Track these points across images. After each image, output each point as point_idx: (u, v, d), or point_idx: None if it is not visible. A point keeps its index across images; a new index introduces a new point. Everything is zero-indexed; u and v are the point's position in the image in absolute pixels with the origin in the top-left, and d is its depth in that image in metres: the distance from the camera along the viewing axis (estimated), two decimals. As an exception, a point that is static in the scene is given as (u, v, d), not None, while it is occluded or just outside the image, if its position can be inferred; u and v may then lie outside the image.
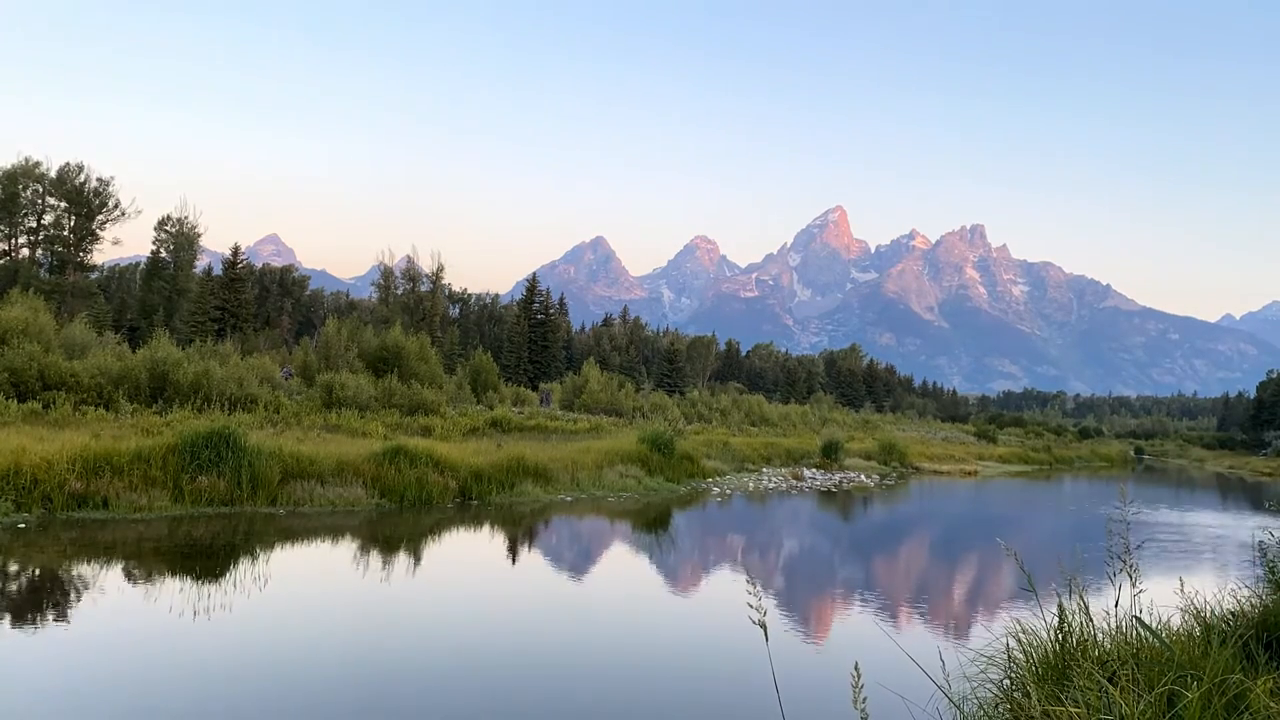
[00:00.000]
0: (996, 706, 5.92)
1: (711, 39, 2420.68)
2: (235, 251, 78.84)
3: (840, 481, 38.74)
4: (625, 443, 32.73)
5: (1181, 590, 7.19)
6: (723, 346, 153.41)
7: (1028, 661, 6.24)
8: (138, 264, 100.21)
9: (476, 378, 57.33)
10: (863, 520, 28.95)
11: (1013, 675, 6.27)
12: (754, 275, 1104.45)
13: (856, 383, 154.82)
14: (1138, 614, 6.05)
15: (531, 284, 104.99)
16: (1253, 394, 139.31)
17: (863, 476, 41.63)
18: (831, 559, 20.91)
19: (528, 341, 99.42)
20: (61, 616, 11.35)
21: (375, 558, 16.49)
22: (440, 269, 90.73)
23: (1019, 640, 6.47)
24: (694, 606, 14.73)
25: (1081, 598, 6.41)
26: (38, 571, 13.71)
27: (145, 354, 33.69)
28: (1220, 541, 24.43)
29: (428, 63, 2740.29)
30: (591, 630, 12.46)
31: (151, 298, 77.73)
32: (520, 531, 20.90)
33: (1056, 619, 6.19)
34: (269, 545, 16.80)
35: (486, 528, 21.00)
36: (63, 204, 66.94)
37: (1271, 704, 4.59)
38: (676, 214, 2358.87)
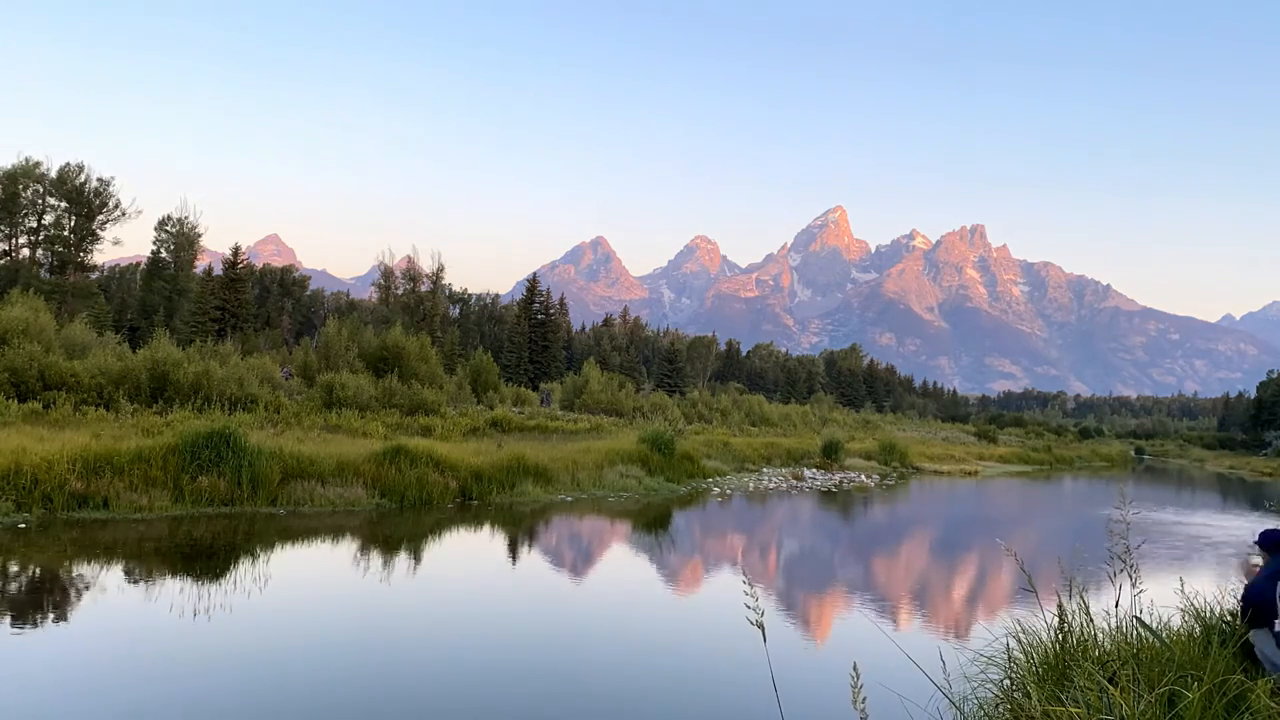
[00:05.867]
0: (996, 706, 5.92)
1: (712, 39, 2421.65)
2: (235, 251, 78.79)
3: (840, 481, 38.72)
4: (625, 443, 32.72)
5: (1181, 590, 7.19)
6: (723, 347, 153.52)
7: (1028, 661, 6.24)
8: (138, 264, 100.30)
9: (477, 378, 57.32)
10: (863, 520, 28.94)
11: (1013, 675, 6.27)
12: (754, 275, 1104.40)
13: (857, 383, 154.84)
14: (1138, 614, 6.06)
15: (531, 284, 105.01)
16: (1253, 394, 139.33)
17: (863, 476, 41.62)
18: (831, 559, 20.90)
19: (528, 341, 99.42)
20: (62, 617, 11.35)
21: (375, 558, 16.49)
22: (440, 269, 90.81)
23: (1019, 640, 6.47)
24: (694, 607, 14.74)
25: (1081, 598, 6.41)
26: (38, 571, 13.71)
27: (145, 354, 33.66)
28: (1220, 541, 24.41)
29: (429, 63, 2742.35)
30: (591, 630, 12.46)
31: (152, 298, 77.77)
32: (520, 532, 20.90)
33: (1056, 619, 6.19)
34: (269, 545, 16.80)
35: (487, 528, 21.00)
36: (63, 204, 66.94)
37: (1271, 704, 4.59)
38: (676, 214, 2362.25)
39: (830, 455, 44.88)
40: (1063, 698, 5.11)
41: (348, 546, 17.42)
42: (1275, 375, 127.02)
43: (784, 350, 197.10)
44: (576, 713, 8.72)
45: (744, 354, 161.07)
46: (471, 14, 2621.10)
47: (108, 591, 12.78)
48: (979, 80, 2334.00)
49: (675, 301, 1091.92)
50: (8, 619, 10.96)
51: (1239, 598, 6.20)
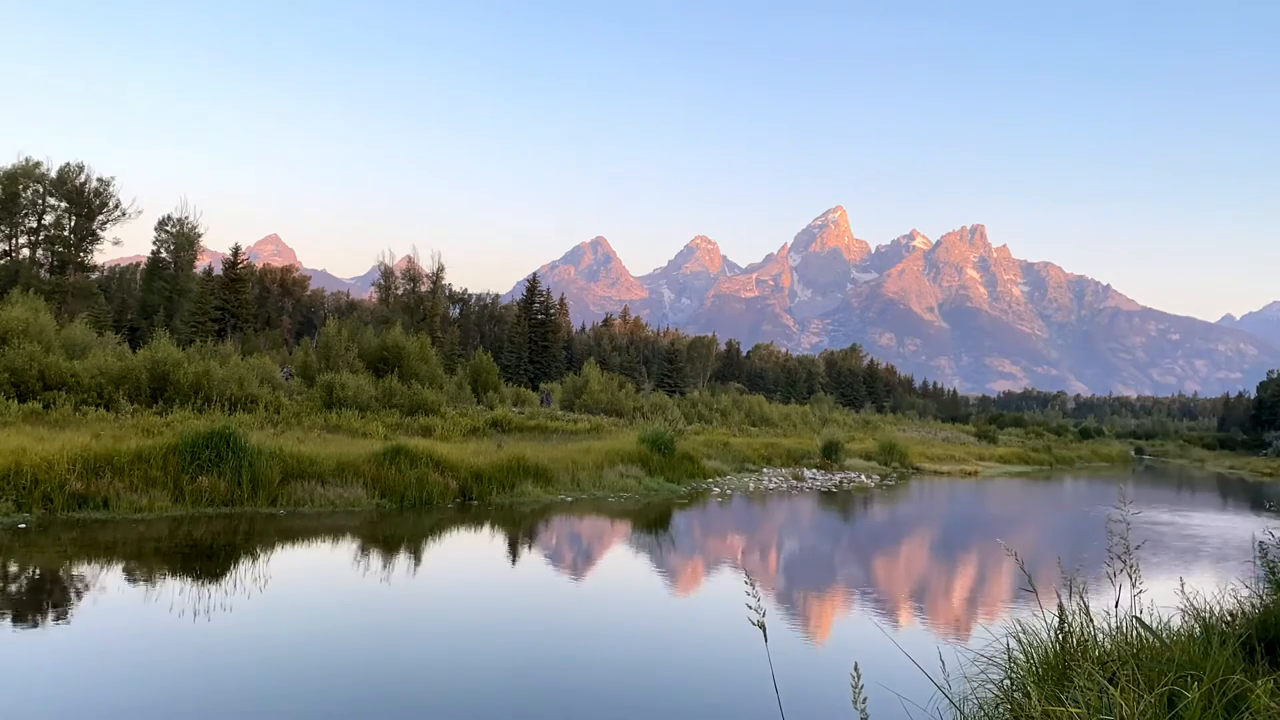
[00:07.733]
0: (996, 706, 5.92)
1: (712, 39, 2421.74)
2: (235, 251, 78.86)
3: (840, 482, 38.72)
4: (625, 443, 32.72)
5: (1181, 590, 7.19)
6: (723, 347, 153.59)
7: (1028, 661, 6.24)
8: (138, 264, 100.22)
9: (477, 378, 57.35)
10: (863, 521, 28.94)
11: (1013, 675, 6.27)
12: (754, 275, 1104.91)
13: (857, 383, 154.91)
14: (1138, 614, 6.06)
15: (531, 284, 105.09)
16: (1253, 394, 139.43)
17: (863, 477, 41.62)
18: (831, 559, 20.90)
19: (528, 341, 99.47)
20: (62, 617, 11.35)
21: (376, 558, 16.49)
22: (440, 269, 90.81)
23: (1019, 640, 6.48)
24: (694, 607, 14.74)
25: (1081, 598, 6.41)
26: (38, 572, 13.71)
27: (146, 354, 33.68)
28: (1220, 541, 24.41)
29: (428, 62, 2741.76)
30: (591, 630, 12.45)
31: (152, 298, 77.68)
32: (520, 532, 20.90)
33: (1056, 619, 6.19)
34: (269, 545, 16.80)
35: (487, 528, 21.00)
36: (63, 204, 66.88)
37: (1271, 704, 4.59)
38: (676, 214, 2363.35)
39: (830, 455, 44.88)
40: (1063, 698, 5.10)
41: (348, 547, 17.42)
42: (1275, 375, 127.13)
43: (784, 350, 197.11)
44: (577, 712, 8.72)
45: (744, 354, 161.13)
46: (472, 16, 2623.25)
47: (108, 592, 12.78)
48: (979, 81, 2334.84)
49: (675, 301, 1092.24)
50: (8, 619, 10.96)
51: None
